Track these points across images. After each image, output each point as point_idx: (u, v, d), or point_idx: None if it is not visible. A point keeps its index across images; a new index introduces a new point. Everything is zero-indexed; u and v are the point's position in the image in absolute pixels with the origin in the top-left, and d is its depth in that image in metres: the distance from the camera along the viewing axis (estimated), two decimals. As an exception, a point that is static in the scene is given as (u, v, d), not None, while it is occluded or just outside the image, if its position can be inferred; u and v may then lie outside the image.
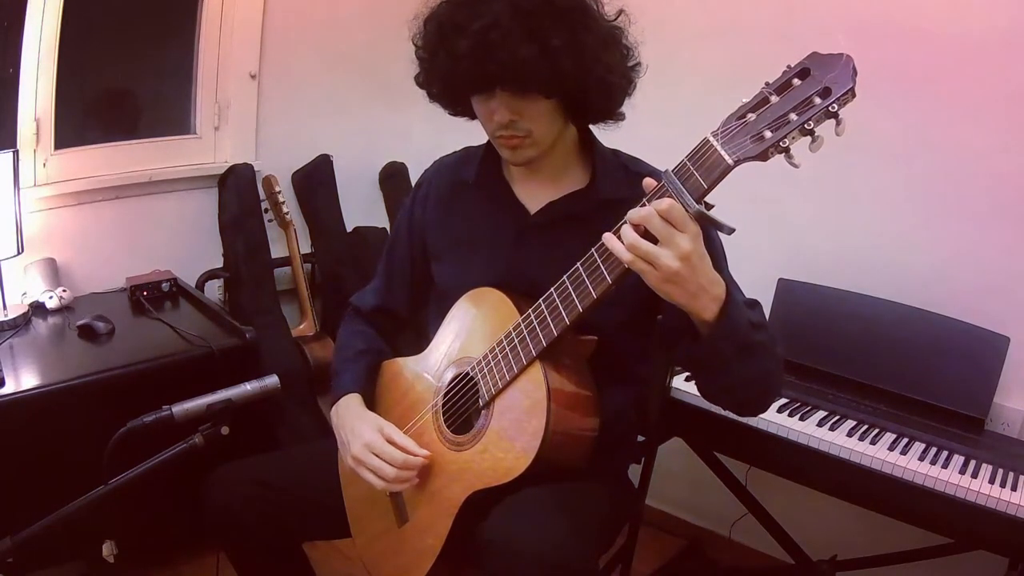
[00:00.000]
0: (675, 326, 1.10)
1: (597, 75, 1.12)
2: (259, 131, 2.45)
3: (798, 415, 1.63)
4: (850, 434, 1.57)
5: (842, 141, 0.87)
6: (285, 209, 2.46)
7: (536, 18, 1.06)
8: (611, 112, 1.21)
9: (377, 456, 1.20)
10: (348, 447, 1.25)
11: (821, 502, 1.67)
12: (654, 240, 0.95)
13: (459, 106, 1.24)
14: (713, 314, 1.01)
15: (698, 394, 1.65)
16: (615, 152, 1.29)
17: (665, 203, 0.94)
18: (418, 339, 1.38)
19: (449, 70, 1.13)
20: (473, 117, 1.26)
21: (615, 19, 1.17)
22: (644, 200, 0.98)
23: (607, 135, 1.28)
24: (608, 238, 0.99)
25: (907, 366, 1.69)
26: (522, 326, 1.13)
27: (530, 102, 1.13)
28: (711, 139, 0.93)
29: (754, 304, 1.14)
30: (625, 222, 0.98)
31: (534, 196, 1.27)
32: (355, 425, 1.26)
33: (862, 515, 1.64)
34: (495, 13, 1.06)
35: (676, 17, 2.04)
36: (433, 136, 2.52)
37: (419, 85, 1.24)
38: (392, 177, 2.76)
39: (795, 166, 0.90)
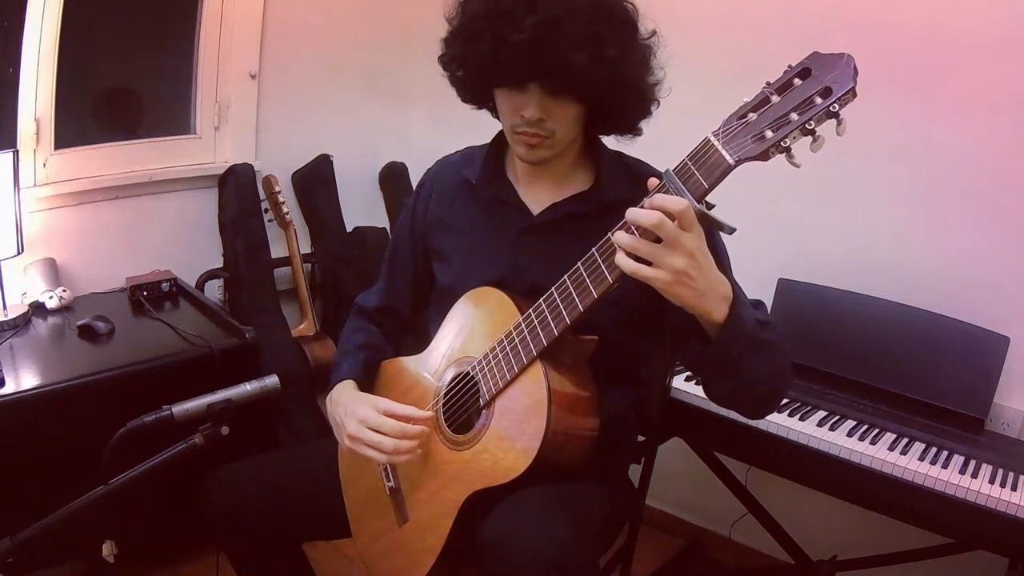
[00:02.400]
0: (682, 326, 1.09)
1: (637, 91, 1.14)
2: (259, 131, 2.45)
3: (798, 415, 1.63)
4: (850, 434, 1.57)
5: (843, 141, 0.87)
6: (285, 209, 2.46)
7: (593, 24, 1.06)
8: (631, 127, 1.22)
9: (373, 430, 1.19)
10: (343, 427, 1.23)
11: (821, 502, 1.68)
12: (656, 241, 0.95)
13: (477, 94, 1.23)
14: (723, 314, 1.00)
15: (698, 394, 1.68)
16: (619, 154, 1.29)
17: (679, 204, 0.92)
18: (420, 340, 1.38)
19: (491, 58, 1.10)
20: (481, 107, 1.26)
21: (649, 37, 1.17)
22: (644, 200, 0.98)
23: (610, 136, 1.28)
24: (620, 257, 0.97)
25: (907, 366, 1.69)
26: (523, 325, 1.13)
27: (562, 104, 1.13)
28: (712, 139, 0.93)
29: (758, 304, 1.14)
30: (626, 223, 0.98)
31: (538, 197, 1.27)
32: (348, 405, 1.25)
33: (862, 515, 1.64)
34: (552, 9, 1.04)
35: (678, 17, 2.02)
36: (433, 136, 2.54)
37: (442, 65, 1.22)
38: (392, 177, 2.76)
39: (796, 166, 0.90)
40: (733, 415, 1.61)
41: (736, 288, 1.05)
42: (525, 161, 1.22)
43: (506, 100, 1.17)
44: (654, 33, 1.18)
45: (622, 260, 0.96)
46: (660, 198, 0.94)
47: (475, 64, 1.15)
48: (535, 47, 1.05)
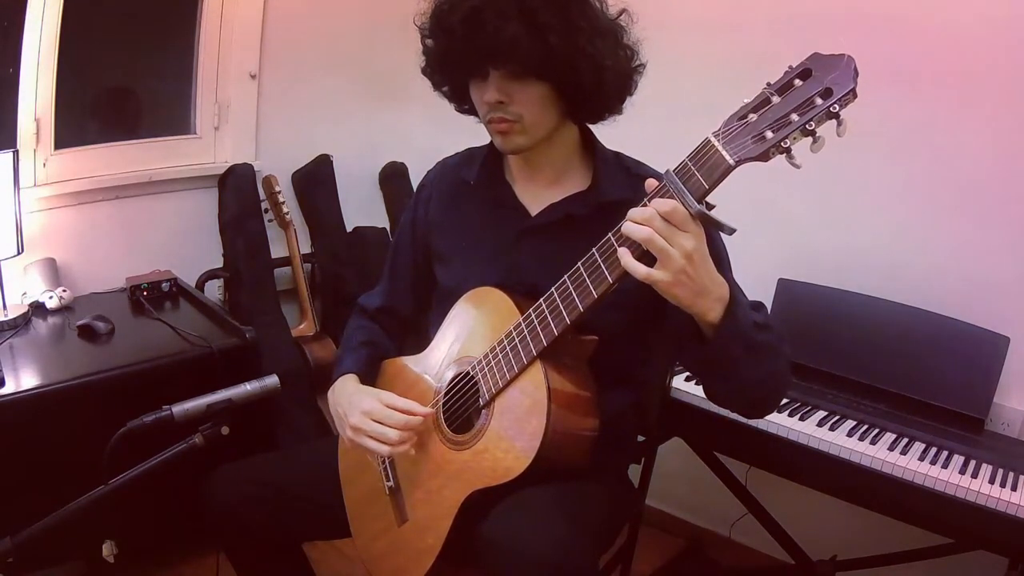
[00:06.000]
0: (682, 327, 1.09)
1: (589, 58, 1.12)
2: (259, 131, 2.45)
3: (798, 415, 1.63)
4: (850, 434, 1.57)
5: (843, 140, 0.87)
6: (285, 209, 2.46)
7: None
8: (606, 107, 1.20)
9: (377, 422, 1.19)
10: (346, 419, 1.24)
11: (821, 502, 1.67)
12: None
13: (462, 97, 1.25)
14: (718, 315, 1.01)
15: (698, 394, 1.68)
16: (617, 155, 1.29)
17: (668, 204, 0.94)
18: (421, 340, 1.38)
19: (444, 50, 1.16)
20: (471, 110, 1.26)
21: (616, 17, 1.18)
22: (644, 200, 0.98)
23: (609, 136, 1.28)
24: (623, 253, 0.98)
25: (907, 366, 1.69)
26: (523, 325, 1.13)
27: (522, 85, 1.14)
28: (712, 139, 0.93)
29: (759, 306, 1.14)
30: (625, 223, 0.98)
31: (535, 198, 1.27)
32: (351, 398, 1.25)
33: (862, 515, 1.64)
34: None
35: (677, 17, 2.04)
36: (433, 136, 2.53)
37: (425, 75, 1.26)
38: (392, 177, 2.76)
39: (796, 167, 0.89)
40: (733, 415, 1.61)
41: (735, 290, 1.05)
42: (502, 151, 1.24)
43: (474, 94, 1.20)
44: (623, 12, 1.19)
45: (627, 260, 0.97)
46: (657, 202, 0.95)
47: (437, 61, 1.21)
48: (473, 27, 1.09)
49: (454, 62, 1.17)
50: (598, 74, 1.14)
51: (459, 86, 1.23)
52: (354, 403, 1.24)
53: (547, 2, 1.09)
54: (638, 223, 0.95)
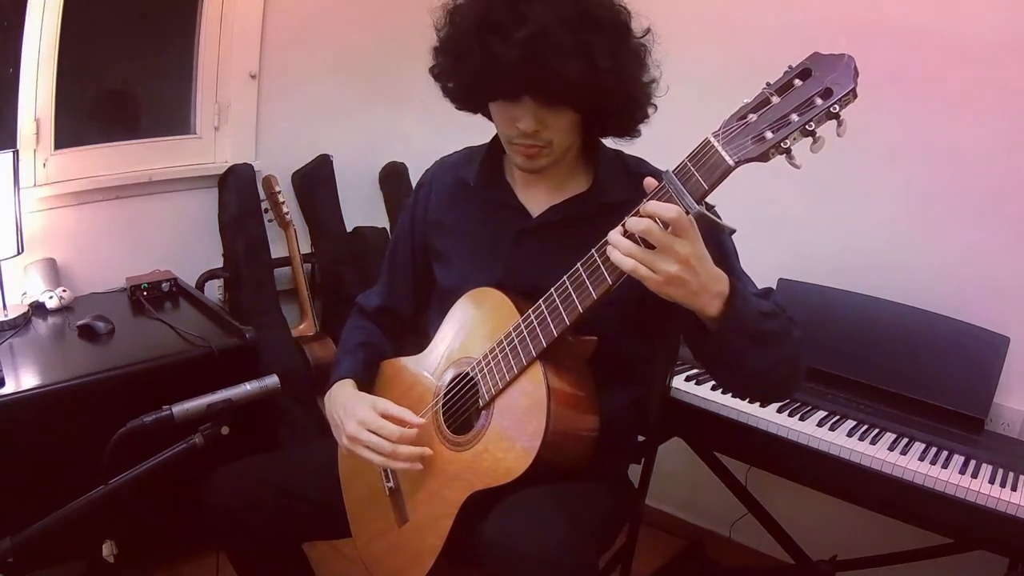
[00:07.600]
0: (685, 323, 1.09)
1: (632, 94, 1.13)
2: (259, 131, 2.45)
3: (798, 415, 1.63)
4: (850, 434, 1.57)
5: (843, 141, 0.87)
6: (285, 209, 2.46)
7: (583, 32, 1.04)
8: (629, 129, 1.21)
9: (373, 432, 1.19)
10: (342, 427, 1.23)
11: (821, 502, 1.67)
12: (651, 245, 0.95)
13: (471, 104, 1.22)
14: (717, 309, 1.01)
15: (698, 394, 1.68)
16: (618, 154, 1.29)
17: (672, 212, 0.93)
18: (420, 340, 1.38)
19: (483, 73, 1.09)
20: (478, 112, 1.25)
21: (642, 36, 1.16)
22: (644, 201, 0.98)
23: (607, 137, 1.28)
24: (611, 249, 0.98)
25: (907, 366, 1.69)
26: (522, 326, 1.13)
27: (558, 114, 1.12)
28: (712, 140, 0.93)
29: (767, 293, 1.14)
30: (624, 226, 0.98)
31: (536, 199, 1.27)
32: (347, 405, 1.25)
33: (862, 515, 1.64)
34: (541, 21, 1.02)
35: (678, 17, 2.03)
36: (433, 136, 2.52)
37: (433, 76, 1.21)
38: (392, 177, 2.76)
39: (796, 167, 0.89)
40: (733, 415, 1.63)
41: (738, 281, 1.04)
42: (523, 170, 1.22)
43: (500, 112, 1.16)
44: (648, 31, 1.17)
45: (616, 256, 0.97)
46: (653, 205, 0.95)
47: (466, 79, 1.14)
48: (526, 62, 1.03)
49: (491, 86, 1.11)
50: (634, 106, 1.16)
51: (473, 98, 1.20)
52: (349, 411, 1.23)
53: (601, 39, 1.05)
54: (635, 233, 0.95)
